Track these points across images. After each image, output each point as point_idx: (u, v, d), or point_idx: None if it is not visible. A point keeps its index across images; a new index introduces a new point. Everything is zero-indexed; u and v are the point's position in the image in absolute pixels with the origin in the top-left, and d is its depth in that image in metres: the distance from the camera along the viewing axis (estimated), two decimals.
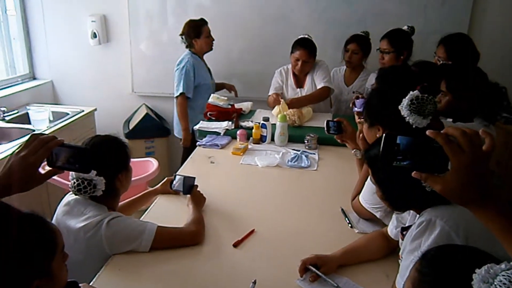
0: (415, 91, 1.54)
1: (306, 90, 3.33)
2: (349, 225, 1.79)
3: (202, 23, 3.49)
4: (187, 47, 3.53)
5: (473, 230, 1.18)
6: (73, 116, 3.54)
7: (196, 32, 3.46)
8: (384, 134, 0.78)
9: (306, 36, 3.30)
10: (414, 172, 0.77)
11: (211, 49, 3.57)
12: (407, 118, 1.52)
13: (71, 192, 1.62)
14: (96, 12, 4.01)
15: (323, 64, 3.33)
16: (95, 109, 3.83)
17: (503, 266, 0.76)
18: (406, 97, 1.52)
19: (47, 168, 1.12)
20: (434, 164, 0.75)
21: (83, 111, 3.68)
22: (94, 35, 4.00)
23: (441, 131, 0.74)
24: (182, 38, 3.51)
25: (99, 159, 1.55)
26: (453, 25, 3.42)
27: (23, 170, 1.04)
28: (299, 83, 3.38)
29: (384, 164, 0.79)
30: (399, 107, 1.54)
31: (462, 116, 2.07)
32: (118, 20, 4.05)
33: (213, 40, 3.54)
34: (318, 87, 3.27)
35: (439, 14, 3.67)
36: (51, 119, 3.40)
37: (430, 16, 3.68)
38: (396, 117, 1.55)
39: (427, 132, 0.74)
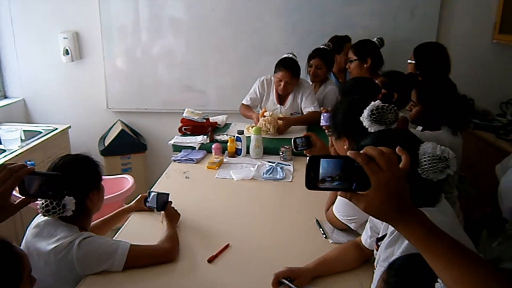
0: (376, 102, 1.58)
1: (286, 107, 3.30)
2: (324, 235, 1.80)
3: (346, 40, 3.48)
4: None
5: None
6: (46, 134, 3.48)
7: (338, 48, 3.42)
8: (308, 158, 0.79)
9: (290, 56, 3.25)
10: (340, 192, 0.79)
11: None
12: (369, 128, 1.56)
13: None
14: (68, 28, 3.97)
15: (308, 87, 3.28)
16: (69, 127, 3.77)
17: None
18: (367, 108, 1.56)
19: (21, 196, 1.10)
20: (357, 183, 0.77)
21: (56, 129, 3.61)
22: (67, 52, 3.95)
23: (361, 151, 0.77)
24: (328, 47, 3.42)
25: (68, 179, 1.53)
26: (422, 34, 3.51)
27: None
28: (281, 100, 3.33)
29: (309, 188, 0.79)
30: (361, 118, 1.58)
31: (430, 125, 2.12)
32: (90, 37, 4.02)
33: None
34: (306, 110, 3.23)
35: (408, 24, 3.76)
36: (23, 138, 3.34)
37: (399, 27, 3.76)
38: (360, 129, 1.58)
39: (348, 153, 0.76)
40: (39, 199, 1.52)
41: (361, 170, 0.75)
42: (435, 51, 2.84)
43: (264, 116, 3.04)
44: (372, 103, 1.56)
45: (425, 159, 1.18)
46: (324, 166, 0.78)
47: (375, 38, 3.21)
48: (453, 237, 1.24)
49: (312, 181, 0.79)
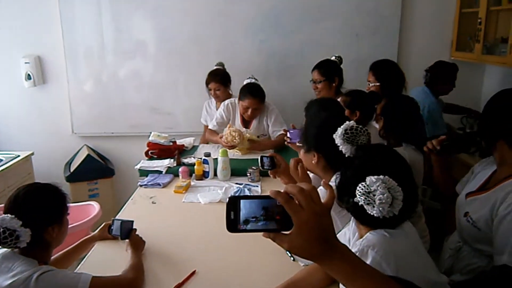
0: (351, 121, 1.59)
1: (252, 131, 3.29)
2: (292, 258, 1.78)
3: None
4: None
5: (405, 259, 1.22)
6: (7, 162, 3.36)
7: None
8: (228, 199, 0.76)
9: (253, 81, 3.25)
10: (263, 233, 0.75)
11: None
12: (340, 146, 1.55)
13: None
14: (30, 53, 3.89)
15: (274, 110, 3.29)
16: (32, 153, 3.67)
17: None
18: (341, 127, 1.56)
19: None
20: (279, 223, 0.75)
21: (18, 156, 3.51)
22: (29, 77, 3.87)
23: (282, 190, 0.74)
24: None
25: (27, 208, 1.49)
26: (383, 52, 3.61)
27: None
28: (246, 124, 3.32)
29: (230, 231, 0.75)
30: (334, 136, 1.57)
31: (394, 140, 2.15)
32: (53, 60, 3.96)
33: None
34: (276, 134, 3.23)
35: (370, 42, 3.86)
36: None
37: (362, 45, 3.87)
38: (331, 145, 1.57)
39: (269, 192, 0.74)
40: None
41: (283, 209, 0.73)
42: (388, 65, 2.91)
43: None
44: (347, 122, 1.56)
45: (360, 187, 1.17)
46: (246, 206, 0.74)
47: (333, 57, 3.27)
48: (414, 257, 1.26)
49: (233, 223, 0.75)
